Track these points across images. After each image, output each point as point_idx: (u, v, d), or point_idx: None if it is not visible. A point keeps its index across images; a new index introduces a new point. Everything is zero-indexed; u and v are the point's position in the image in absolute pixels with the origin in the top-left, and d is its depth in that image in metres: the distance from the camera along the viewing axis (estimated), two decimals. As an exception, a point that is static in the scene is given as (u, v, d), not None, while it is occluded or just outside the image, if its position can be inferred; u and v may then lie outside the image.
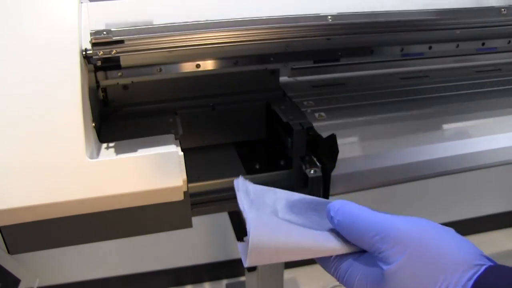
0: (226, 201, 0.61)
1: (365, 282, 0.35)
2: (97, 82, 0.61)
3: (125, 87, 0.63)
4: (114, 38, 0.50)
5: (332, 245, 0.37)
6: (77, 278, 1.50)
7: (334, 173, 0.56)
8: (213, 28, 0.54)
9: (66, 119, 0.46)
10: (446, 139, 0.62)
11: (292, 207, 0.41)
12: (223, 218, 1.39)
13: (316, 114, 0.64)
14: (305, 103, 0.68)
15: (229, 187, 0.59)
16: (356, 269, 0.36)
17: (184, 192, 0.50)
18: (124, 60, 0.54)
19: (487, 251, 0.33)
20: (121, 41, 0.50)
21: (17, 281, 1.24)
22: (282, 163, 0.64)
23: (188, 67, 0.63)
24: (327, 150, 0.58)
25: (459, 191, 1.69)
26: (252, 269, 0.97)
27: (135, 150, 0.49)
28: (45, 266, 1.43)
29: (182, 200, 0.51)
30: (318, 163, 0.59)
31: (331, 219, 0.37)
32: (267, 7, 0.60)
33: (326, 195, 0.58)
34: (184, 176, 0.49)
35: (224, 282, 1.62)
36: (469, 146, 0.63)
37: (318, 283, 1.55)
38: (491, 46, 0.79)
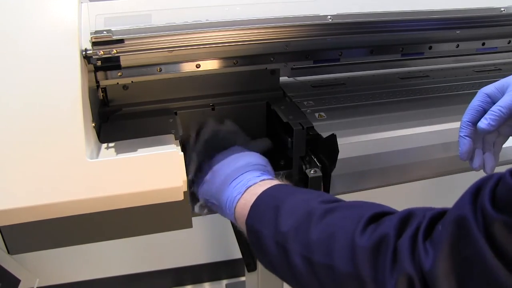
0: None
1: None
2: (97, 82, 0.61)
3: (125, 87, 0.63)
4: (114, 37, 0.50)
5: None
6: (77, 278, 1.50)
7: (334, 173, 0.56)
8: (213, 28, 0.54)
9: (66, 119, 0.46)
10: (446, 139, 0.62)
11: None
12: (223, 218, 1.40)
13: (316, 114, 0.64)
14: (305, 103, 0.68)
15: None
16: None
17: (184, 192, 0.50)
18: (124, 60, 0.54)
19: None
20: (121, 41, 0.50)
21: (17, 281, 1.24)
22: (282, 163, 0.64)
23: (188, 67, 0.63)
24: (327, 150, 0.58)
25: (459, 191, 1.69)
26: (252, 269, 0.97)
27: (135, 150, 0.49)
28: (45, 266, 1.43)
29: (182, 200, 0.51)
30: (318, 163, 0.59)
31: None
32: (267, 7, 0.61)
33: (326, 195, 0.57)
34: (184, 176, 0.49)
35: (224, 282, 1.62)
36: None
37: (318, 283, 1.55)
38: (491, 46, 0.79)
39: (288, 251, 0.42)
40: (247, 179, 0.51)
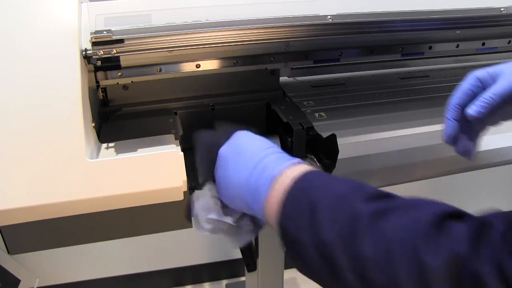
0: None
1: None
2: (97, 82, 0.61)
3: (125, 87, 0.63)
4: (114, 37, 0.50)
5: None
6: (77, 278, 1.50)
7: (334, 173, 0.56)
8: (213, 28, 0.54)
9: (66, 119, 0.46)
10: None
11: None
12: (223, 218, 1.40)
13: (316, 114, 0.64)
14: (305, 103, 0.68)
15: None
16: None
17: (184, 192, 0.50)
18: (124, 60, 0.54)
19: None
20: (121, 41, 0.50)
21: (17, 281, 1.24)
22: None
23: (188, 67, 0.63)
24: (327, 150, 0.58)
25: (459, 191, 1.69)
26: (252, 269, 0.97)
27: (135, 150, 0.49)
28: (45, 266, 1.43)
29: (182, 200, 0.50)
30: (318, 163, 0.59)
31: None
32: (267, 7, 0.61)
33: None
34: (184, 176, 0.49)
35: (224, 282, 1.62)
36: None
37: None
38: (491, 46, 0.79)
39: (336, 265, 0.35)
40: (271, 167, 0.43)
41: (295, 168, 0.43)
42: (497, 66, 0.47)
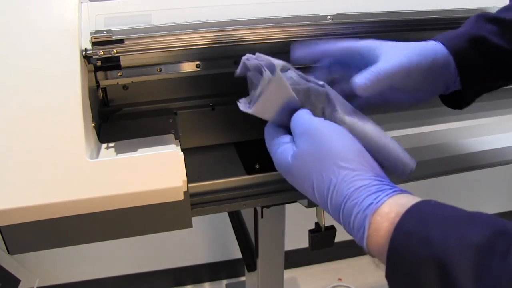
0: (226, 201, 0.61)
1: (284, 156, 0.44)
2: (97, 82, 0.61)
3: (125, 87, 0.63)
4: (114, 37, 0.50)
5: None
6: (77, 278, 1.50)
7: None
8: (213, 28, 0.54)
9: (66, 119, 0.46)
10: (445, 139, 0.62)
11: None
12: (223, 218, 1.40)
13: (316, 114, 0.64)
14: (305, 103, 0.67)
15: (229, 187, 0.59)
16: (286, 147, 0.45)
17: (184, 192, 0.50)
18: (124, 60, 0.54)
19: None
20: (121, 41, 0.50)
21: (17, 281, 1.25)
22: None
23: (188, 67, 0.63)
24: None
25: (459, 191, 1.70)
26: (252, 269, 0.97)
27: (135, 150, 0.49)
28: (45, 266, 1.43)
29: (182, 200, 0.50)
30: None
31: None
32: (267, 7, 0.61)
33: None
34: (184, 176, 0.49)
35: (224, 282, 1.62)
36: (469, 146, 0.63)
37: (318, 283, 1.55)
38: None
39: None
40: (363, 197, 0.37)
41: (393, 201, 0.37)
42: (381, 43, 0.48)
